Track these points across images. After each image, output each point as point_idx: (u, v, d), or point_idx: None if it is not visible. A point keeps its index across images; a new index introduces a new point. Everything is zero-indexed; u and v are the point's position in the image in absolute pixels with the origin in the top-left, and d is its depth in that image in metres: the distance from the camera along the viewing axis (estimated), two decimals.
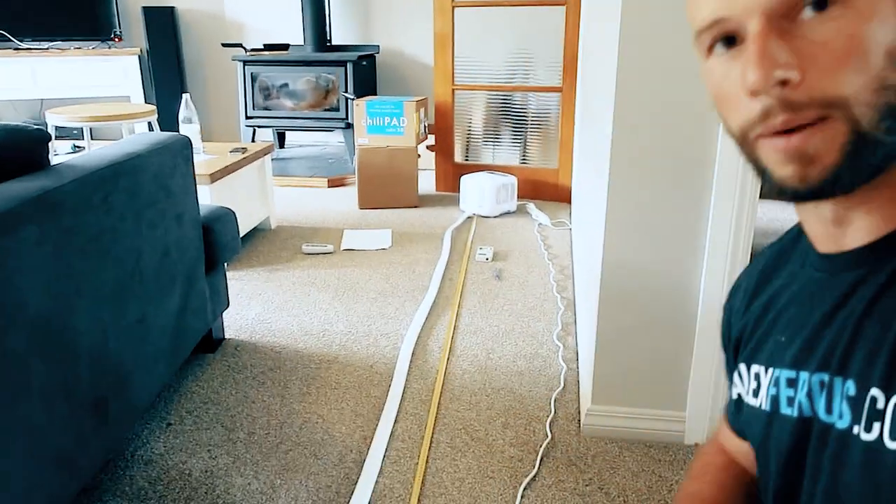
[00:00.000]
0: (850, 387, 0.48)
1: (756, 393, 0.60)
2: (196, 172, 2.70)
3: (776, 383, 0.56)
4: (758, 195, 1.57)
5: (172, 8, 4.97)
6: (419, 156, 3.84)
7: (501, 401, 1.91)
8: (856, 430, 0.47)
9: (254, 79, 4.63)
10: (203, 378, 2.03)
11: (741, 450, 0.72)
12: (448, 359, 2.14)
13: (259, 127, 4.72)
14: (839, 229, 0.51)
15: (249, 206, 3.18)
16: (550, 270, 2.83)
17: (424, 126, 4.01)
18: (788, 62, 0.44)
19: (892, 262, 0.48)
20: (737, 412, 0.66)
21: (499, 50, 3.90)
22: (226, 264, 2.25)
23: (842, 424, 0.49)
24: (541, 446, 1.70)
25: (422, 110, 3.89)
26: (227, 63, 5.14)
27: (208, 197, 2.74)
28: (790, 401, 0.54)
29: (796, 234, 0.62)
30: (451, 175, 4.04)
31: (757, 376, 0.60)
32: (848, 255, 0.51)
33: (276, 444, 1.73)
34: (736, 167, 1.52)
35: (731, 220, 1.56)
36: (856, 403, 0.47)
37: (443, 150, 4.04)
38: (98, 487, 1.56)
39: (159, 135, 1.83)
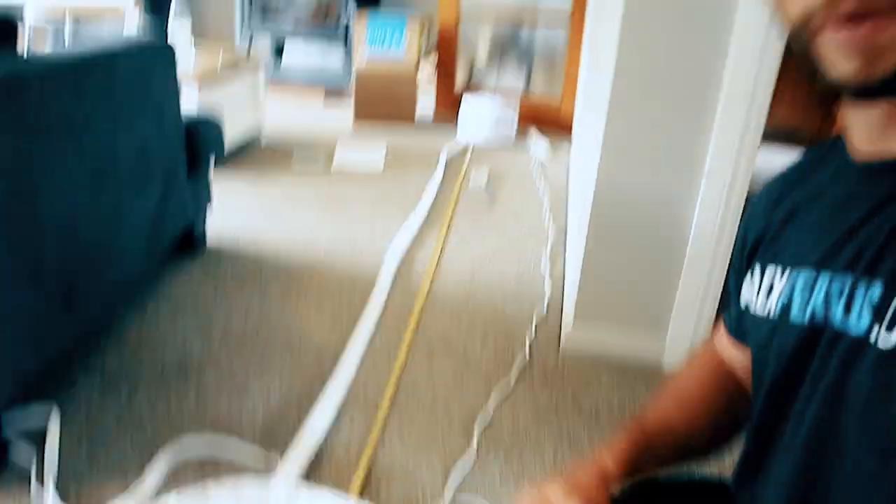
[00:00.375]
0: (876, 288, 0.46)
1: (768, 294, 0.58)
2: (185, 73, 2.62)
3: (791, 286, 0.55)
4: (762, 129, 1.52)
5: None
6: (418, 77, 3.73)
7: (483, 317, 1.89)
8: (874, 331, 0.46)
9: None
10: (182, 277, 2.00)
11: (735, 359, 0.71)
12: (433, 274, 2.11)
13: (256, 34, 4.56)
14: (887, 134, 0.49)
15: (240, 116, 3.08)
16: (544, 199, 2.78)
17: (426, 45, 3.88)
18: None
19: None
20: (740, 319, 0.64)
21: None
22: (211, 170, 2.19)
23: (859, 325, 0.47)
24: (518, 362, 1.69)
25: (425, 29, 3.76)
26: None
27: (196, 100, 2.65)
28: (803, 305, 0.53)
29: (830, 145, 0.60)
30: (450, 98, 3.94)
31: (772, 277, 0.58)
32: (892, 162, 0.49)
33: (251, 342, 1.71)
34: (744, 93, 1.45)
35: (734, 149, 1.51)
36: (879, 304, 0.46)
37: (444, 73, 3.92)
38: (71, 365, 1.55)
39: (138, 36, 1.76)
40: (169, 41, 1.84)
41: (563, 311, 1.95)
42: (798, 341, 0.52)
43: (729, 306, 0.72)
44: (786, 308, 0.54)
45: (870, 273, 0.47)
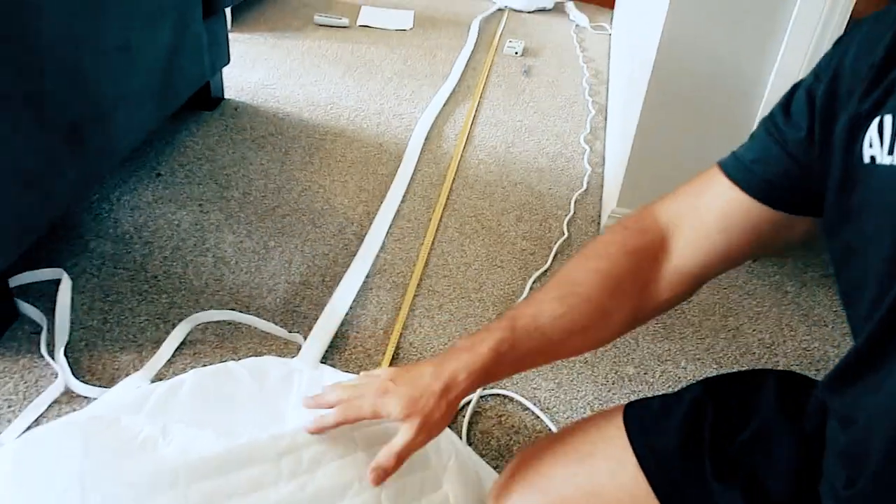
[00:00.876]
0: None
1: (892, 149, 0.45)
2: None
3: None
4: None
5: None
6: None
7: (518, 195, 1.77)
8: None
9: None
10: (199, 134, 1.86)
11: (736, 215, 0.59)
12: (464, 146, 1.96)
13: None
14: None
15: None
16: (584, 73, 2.57)
17: None
18: None
19: None
20: (863, 179, 0.49)
21: None
22: (228, 18, 1.99)
23: None
24: (555, 243, 1.58)
25: None
26: None
27: None
28: None
29: None
30: None
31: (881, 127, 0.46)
32: None
33: (272, 207, 1.60)
34: None
35: (821, 13, 1.31)
36: None
37: None
38: (80, 225, 1.46)
39: None
40: None
41: (603, 190, 1.82)
42: None
43: (743, 154, 0.60)
44: None
45: None
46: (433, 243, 1.54)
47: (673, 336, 1.36)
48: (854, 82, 0.51)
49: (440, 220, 1.63)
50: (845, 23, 1.34)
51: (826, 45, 1.35)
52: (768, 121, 0.60)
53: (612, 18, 3.24)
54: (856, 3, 1.32)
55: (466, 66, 2.50)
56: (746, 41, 1.37)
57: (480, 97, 2.28)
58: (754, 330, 1.39)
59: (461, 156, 1.91)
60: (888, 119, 0.47)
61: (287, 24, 2.72)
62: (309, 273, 1.41)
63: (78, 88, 1.29)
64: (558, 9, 3.29)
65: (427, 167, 1.84)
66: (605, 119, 2.24)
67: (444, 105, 2.18)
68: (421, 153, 1.89)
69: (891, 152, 0.46)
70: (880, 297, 0.47)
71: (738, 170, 0.59)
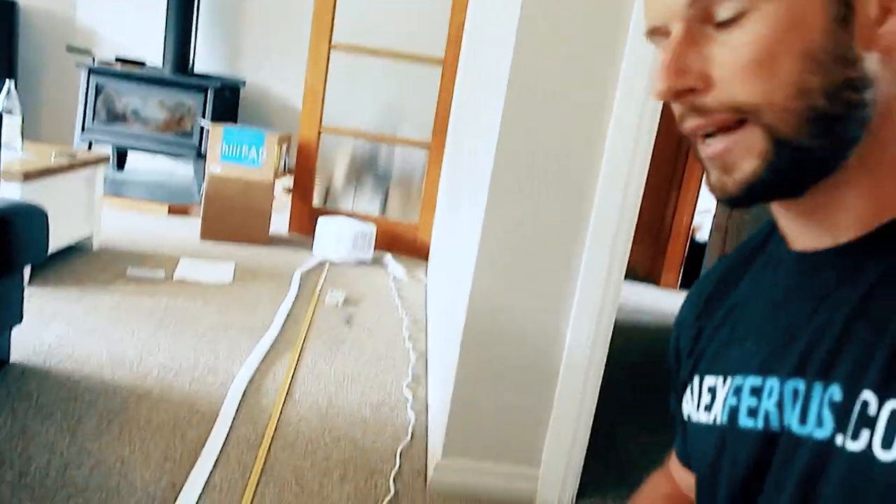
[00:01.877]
0: (835, 391, 0.42)
1: (709, 408, 0.52)
2: (7, 169, 2.32)
3: (737, 393, 0.50)
4: (626, 262, 1.56)
5: (13, 3, 4.44)
6: (274, 197, 3.60)
7: (341, 451, 1.70)
8: (839, 439, 0.41)
9: (98, 90, 4.19)
10: None
11: (689, 484, 0.62)
12: (284, 402, 1.89)
13: (98, 141, 4.25)
14: (814, 228, 0.47)
15: (69, 219, 2.76)
16: (404, 320, 2.69)
17: (285, 163, 3.81)
18: (695, 70, 0.44)
19: (881, 259, 0.43)
20: (684, 437, 0.58)
21: (371, 98, 3.85)
22: (26, 274, 1.88)
23: (822, 434, 0.42)
24: (382, 502, 1.50)
25: (284, 146, 3.70)
26: (70, 71, 4.63)
27: (18, 198, 2.33)
28: (752, 412, 0.48)
29: (762, 239, 0.57)
30: (307, 218, 3.83)
31: (712, 389, 0.53)
32: (830, 252, 0.47)
33: (55, 489, 1.38)
34: (609, 227, 1.49)
35: (603, 273, 1.53)
36: (841, 409, 0.41)
37: (301, 190, 3.84)
38: None
39: None
40: None
41: (428, 440, 1.81)
42: (753, 448, 0.47)
43: (676, 432, 0.65)
44: (734, 413, 0.49)
45: (824, 377, 0.43)
46: None
47: None
48: (682, 347, 0.61)
49: (256, 487, 1.49)
50: (619, 293, 1.57)
51: (608, 308, 1.54)
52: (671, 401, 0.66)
53: (426, 270, 3.51)
54: (630, 259, 1.56)
55: (288, 317, 2.52)
56: (542, 302, 1.53)
57: (302, 349, 2.27)
58: None
59: (280, 413, 1.83)
60: (693, 381, 0.55)
61: (95, 277, 2.62)
62: None
63: None
64: (377, 261, 3.52)
65: (244, 427, 1.73)
66: (426, 365, 2.30)
67: (264, 359, 2.13)
68: (237, 412, 1.79)
69: (697, 409, 0.54)
70: None
71: (679, 448, 0.65)
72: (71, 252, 2.83)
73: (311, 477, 1.57)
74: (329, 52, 3.70)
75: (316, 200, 3.89)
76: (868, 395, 0.40)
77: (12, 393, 1.71)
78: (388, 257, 3.57)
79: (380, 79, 3.84)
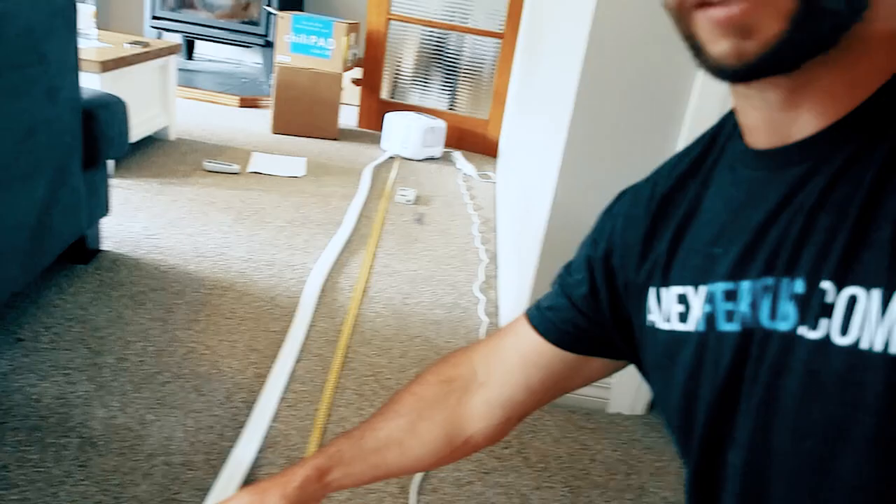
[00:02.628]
0: (799, 284, 0.42)
1: (684, 316, 0.51)
2: (85, 58, 2.32)
3: (710, 300, 0.49)
4: None
5: None
6: (342, 88, 3.54)
7: (416, 349, 1.73)
8: (801, 330, 0.42)
9: None
10: (69, 291, 1.72)
11: (540, 360, 0.65)
12: (361, 299, 1.93)
13: (167, 30, 4.23)
14: (786, 116, 0.45)
15: (146, 109, 2.79)
16: (474, 221, 2.67)
17: (354, 54, 3.71)
18: None
19: (844, 149, 0.42)
20: (650, 340, 0.56)
21: None
22: (110, 165, 1.92)
23: (785, 326, 0.43)
24: None
25: (352, 35, 3.59)
26: None
27: (98, 88, 2.35)
28: (730, 315, 0.48)
29: (709, 140, 0.56)
30: (376, 111, 3.78)
31: (683, 298, 0.52)
32: (794, 146, 0.45)
33: (151, 373, 1.47)
34: (711, 118, 1.38)
35: None
36: (803, 301, 0.42)
37: (370, 83, 3.76)
38: None
39: None
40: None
41: None
42: (733, 350, 0.47)
43: (542, 302, 0.67)
44: (711, 319, 0.49)
45: (790, 273, 0.43)
46: (330, 409, 1.46)
47: (580, 500, 1.32)
48: (626, 254, 0.59)
49: (337, 381, 1.55)
50: None
51: None
52: (560, 274, 0.68)
53: (495, 167, 3.44)
54: None
55: (360, 214, 2.53)
56: None
57: (375, 246, 2.29)
58: (657, 487, 1.38)
59: (357, 309, 1.87)
60: (658, 291, 0.54)
61: (174, 169, 2.67)
62: (192, 451, 1.27)
63: None
64: (446, 158, 3.46)
65: (322, 322, 1.78)
66: (497, 267, 2.30)
67: (339, 255, 2.17)
68: (315, 307, 1.83)
69: (667, 320, 0.53)
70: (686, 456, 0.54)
71: (536, 316, 0.66)
72: (149, 142, 2.88)
73: (388, 374, 1.61)
74: None
75: (384, 93, 3.81)
76: (826, 285, 0.40)
77: (106, 281, 1.79)
78: (457, 154, 3.50)
79: None
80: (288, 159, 3.00)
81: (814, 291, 0.41)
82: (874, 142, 0.41)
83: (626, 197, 0.63)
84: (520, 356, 0.66)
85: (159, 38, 4.23)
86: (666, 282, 0.54)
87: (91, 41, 2.61)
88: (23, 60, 1.36)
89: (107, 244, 1.98)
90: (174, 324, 1.66)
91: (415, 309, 1.93)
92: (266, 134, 3.37)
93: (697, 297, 0.50)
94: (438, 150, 3.43)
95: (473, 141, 3.71)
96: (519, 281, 1.79)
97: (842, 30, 0.40)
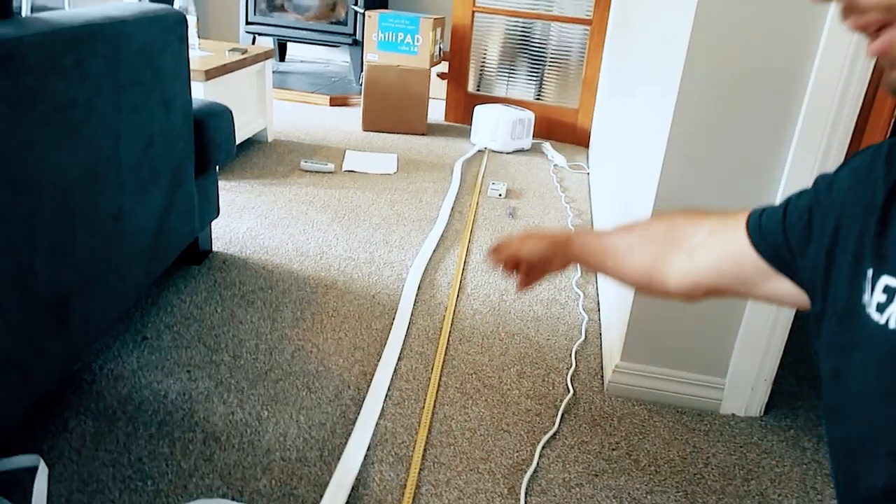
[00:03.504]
0: None
1: (882, 308, 0.48)
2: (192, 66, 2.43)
3: None
4: (846, 146, 1.36)
5: None
6: (430, 85, 3.55)
7: (516, 347, 1.72)
8: None
9: None
10: (186, 291, 1.81)
11: (731, 237, 0.68)
12: (457, 296, 1.94)
13: (259, 34, 4.38)
14: None
15: (246, 113, 2.90)
16: (568, 214, 2.62)
17: (440, 48, 3.71)
18: None
19: None
20: (847, 320, 0.53)
21: None
22: (217, 169, 2.01)
23: None
24: (561, 401, 1.52)
25: (438, 30, 3.59)
26: None
27: (202, 95, 2.46)
28: None
29: None
30: (463, 105, 3.77)
31: (889, 289, 0.49)
32: None
33: (264, 371, 1.53)
34: (827, 109, 1.30)
35: (814, 170, 1.35)
36: None
37: (456, 77, 3.76)
38: (59, 403, 1.36)
39: (150, 4, 1.56)
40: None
41: (602, 340, 1.79)
42: None
43: (764, 209, 0.67)
44: None
45: None
46: (434, 407, 1.47)
47: None
48: (852, 219, 0.55)
49: (439, 379, 1.56)
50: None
51: None
52: (789, 200, 0.66)
53: (587, 158, 3.37)
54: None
55: (452, 209, 2.54)
56: (739, 198, 1.39)
57: (469, 242, 2.29)
58: (779, 495, 1.32)
59: (455, 307, 1.88)
60: (877, 276, 0.50)
61: (273, 170, 2.77)
62: (305, 447, 1.32)
63: (68, 263, 1.24)
64: (536, 149, 3.42)
65: (421, 320, 1.80)
66: None
67: (434, 251, 2.18)
68: (414, 305, 1.86)
69: (880, 310, 0.49)
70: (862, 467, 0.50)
71: (754, 214, 0.68)
72: (249, 145, 3.00)
73: (490, 371, 1.61)
74: None
75: (471, 86, 3.80)
76: None
77: (218, 281, 1.88)
78: (547, 145, 3.45)
79: None
80: (380, 156, 3.05)
81: None
82: None
83: (864, 154, 0.59)
84: (723, 241, 0.70)
85: (253, 42, 4.39)
86: (883, 268, 0.51)
87: (194, 51, 2.74)
88: (142, 76, 1.44)
89: (217, 245, 2.08)
90: (282, 322, 1.72)
91: (513, 306, 1.92)
92: (357, 131, 3.44)
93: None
94: (528, 142, 3.39)
95: (563, 131, 3.64)
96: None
97: None
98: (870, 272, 0.51)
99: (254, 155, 2.91)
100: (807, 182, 1.30)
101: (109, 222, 1.37)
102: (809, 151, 1.33)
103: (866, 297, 0.51)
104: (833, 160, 1.33)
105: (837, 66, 1.26)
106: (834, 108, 1.29)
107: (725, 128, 1.35)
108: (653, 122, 1.58)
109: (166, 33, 1.57)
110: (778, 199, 1.37)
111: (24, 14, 3.24)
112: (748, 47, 1.29)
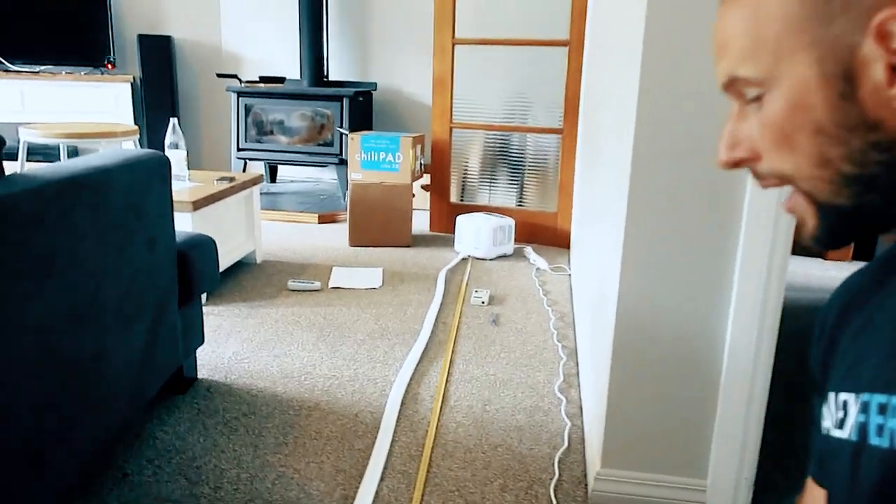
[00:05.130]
0: None
1: (842, 424, 0.51)
2: (178, 199, 2.56)
3: (865, 409, 0.49)
4: (791, 242, 1.43)
5: (169, 37, 4.88)
6: (413, 195, 3.71)
7: (499, 459, 1.72)
8: None
9: (247, 110, 4.52)
10: (169, 422, 1.83)
11: None
12: (440, 409, 1.95)
13: (251, 160, 4.60)
14: None
15: (234, 238, 3.01)
16: (550, 317, 2.67)
17: (420, 164, 3.89)
18: (744, 143, 0.51)
19: None
20: (821, 457, 0.56)
21: (498, 89, 3.82)
22: (203, 297, 2.08)
23: None
24: None
25: (418, 147, 3.78)
26: (221, 94, 5.04)
27: (190, 226, 2.57)
28: (880, 429, 0.47)
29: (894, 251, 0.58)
30: (446, 215, 3.91)
31: (845, 404, 0.52)
32: None
33: (244, 501, 1.52)
34: (768, 204, 1.38)
35: (764, 263, 1.42)
36: None
37: (438, 189, 3.92)
38: None
39: (133, 151, 1.68)
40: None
41: (585, 446, 1.79)
42: (881, 468, 0.46)
43: (813, 448, 0.63)
44: (863, 430, 0.49)
45: None
46: None
47: None
48: (820, 353, 0.60)
49: (422, 499, 1.55)
50: (785, 273, 1.45)
51: (774, 293, 1.43)
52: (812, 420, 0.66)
53: (569, 258, 3.45)
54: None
55: (436, 320, 2.58)
56: (698, 298, 1.45)
57: (452, 352, 2.32)
58: None
59: (438, 421, 1.89)
60: (832, 395, 0.54)
61: (261, 292, 2.84)
62: None
63: (45, 408, 1.27)
64: (518, 254, 3.52)
65: (404, 436, 1.81)
66: (577, 362, 2.27)
67: (418, 364, 2.21)
68: (397, 421, 1.87)
69: (840, 425, 0.52)
70: None
71: (814, 462, 0.64)
72: (238, 268, 3.09)
73: (472, 487, 1.61)
74: (453, 49, 3.72)
75: (453, 196, 3.95)
76: None
77: (202, 409, 1.90)
78: (529, 249, 3.55)
79: (506, 68, 3.80)
80: (365, 271, 3.13)
81: None
82: None
83: (829, 301, 0.64)
84: None
85: (245, 167, 4.60)
86: (836, 386, 0.55)
87: (184, 183, 2.88)
88: (126, 219, 1.54)
89: (202, 371, 2.11)
90: (265, 448, 1.73)
91: (495, 416, 1.93)
92: (344, 247, 3.55)
93: (855, 405, 0.51)
94: (510, 248, 3.49)
95: (544, 234, 3.76)
96: (595, 377, 1.77)
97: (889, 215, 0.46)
98: (832, 394, 0.55)
99: (242, 277, 3.00)
100: (760, 259, 1.35)
101: (89, 363, 1.42)
102: (765, 206, 1.40)
103: (827, 420, 0.55)
104: (776, 287, 1.40)
105: None
106: (770, 232, 1.37)
107: (675, 210, 1.43)
108: (612, 223, 1.66)
109: (150, 176, 1.68)
110: (734, 287, 1.43)
111: (20, 160, 3.43)
112: (689, 152, 1.38)
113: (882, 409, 0.47)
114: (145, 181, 1.65)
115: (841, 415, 0.52)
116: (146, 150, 1.73)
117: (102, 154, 1.58)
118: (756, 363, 1.46)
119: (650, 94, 1.37)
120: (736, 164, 0.52)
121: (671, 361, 1.50)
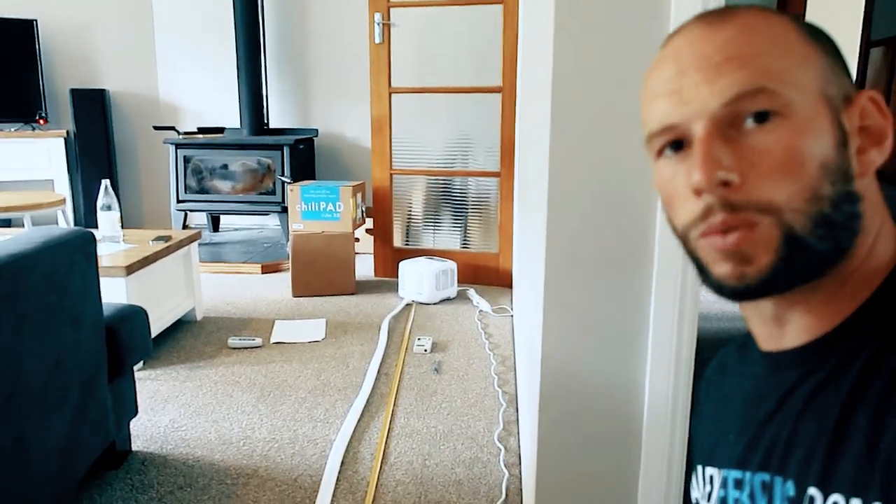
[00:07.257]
0: (790, 487, 0.47)
1: (709, 497, 0.58)
2: (112, 264, 2.53)
3: (724, 484, 0.55)
4: (699, 286, 1.51)
5: (103, 90, 4.83)
6: (357, 240, 3.73)
7: None
8: None
9: (187, 162, 4.49)
10: (101, 502, 1.78)
11: None
12: (380, 468, 1.96)
13: (191, 210, 4.56)
14: (779, 328, 0.53)
15: (172, 298, 2.97)
16: (492, 362, 2.71)
17: (362, 210, 3.92)
18: (730, 165, 0.48)
19: (830, 360, 0.49)
20: None
21: (438, 134, 3.90)
22: (138, 366, 2.05)
23: None
24: None
25: (359, 195, 3.82)
26: (159, 146, 4.99)
27: (124, 290, 2.54)
28: (737, 502, 0.53)
29: (748, 334, 0.63)
30: (390, 260, 3.94)
31: (711, 479, 0.58)
32: (787, 353, 0.52)
33: None
34: (675, 258, 1.45)
35: (675, 314, 1.48)
36: (795, 501, 0.46)
37: (381, 234, 3.95)
38: None
39: (56, 229, 1.67)
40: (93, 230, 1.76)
41: (522, 495, 1.81)
42: None
43: None
44: (724, 503, 0.55)
45: (782, 472, 0.48)
46: None
47: None
48: (694, 423, 0.67)
49: None
50: (696, 322, 1.52)
51: (686, 342, 1.50)
52: None
53: (511, 299, 3.51)
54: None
55: (378, 371, 2.59)
56: (616, 351, 1.50)
57: (394, 405, 2.34)
58: None
59: (378, 480, 1.89)
60: (700, 469, 0.60)
61: (200, 351, 2.80)
62: None
63: None
64: (462, 296, 3.56)
65: (344, 500, 1.80)
66: (517, 410, 2.31)
67: (359, 420, 2.21)
68: (336, 484, 1.86)
69: (708, 498, 0.58)
70: None
71: None
72: (177, 327, 3.04)
73: None
74: (390, 97, 3.79)
75: (397, 240, 3.99)
76: (813, 491, 0.44)
77: (136, 485, 1.86)
78: (472, 291, 3.60)
79: (446, 113, 3.88)
80: (308, 323, 3.12)
81: (803, 496, 0.45)
82: (853, 356, 0.47)
83: (702, 383, 0.69)
84: None
85: (185, 219, 4.55)
86: (703, 461, 0.60)
87: (118, 245, 2.84)
88: (47, 300, 1.52)
89: (137, 443, 2.07)
90: None
91: (435, 471, 1.94)
92: (287, 298, 3.53)
93: (718, 480, 0.57)
94: (453, 291, 3.53)
95: (487, 275, 3.81)
96: (530, 425, 1.80)
97: (829, 265, 0.49)
98: (699, 468, 0.62)
99: (182, 337, 2.95)
100: (672, 304, 1.41)
101: (8, 452, 1.39)
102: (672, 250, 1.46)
103: (696, 491, 0.61)
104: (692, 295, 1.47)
105: None
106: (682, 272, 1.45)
107: (590, 276, 1.49)
108: (536, 269, 1.72)
109: (73, 255, 1.67)
110: (650, 333, 1.49)
111: None
112: (600, 201, 1.45)
113: (738, 484, 0.53)
114: (68, 260, 1.63)
115: (708, 489, 0.58)
116: (69, 228, 1.71)
117: (21, 237, 1.57)
118: (674, 409, 1.52)
119: (560, 145, 1.43)
120: (717, 185, 0.48)
121: (596, 413, 1.54)
